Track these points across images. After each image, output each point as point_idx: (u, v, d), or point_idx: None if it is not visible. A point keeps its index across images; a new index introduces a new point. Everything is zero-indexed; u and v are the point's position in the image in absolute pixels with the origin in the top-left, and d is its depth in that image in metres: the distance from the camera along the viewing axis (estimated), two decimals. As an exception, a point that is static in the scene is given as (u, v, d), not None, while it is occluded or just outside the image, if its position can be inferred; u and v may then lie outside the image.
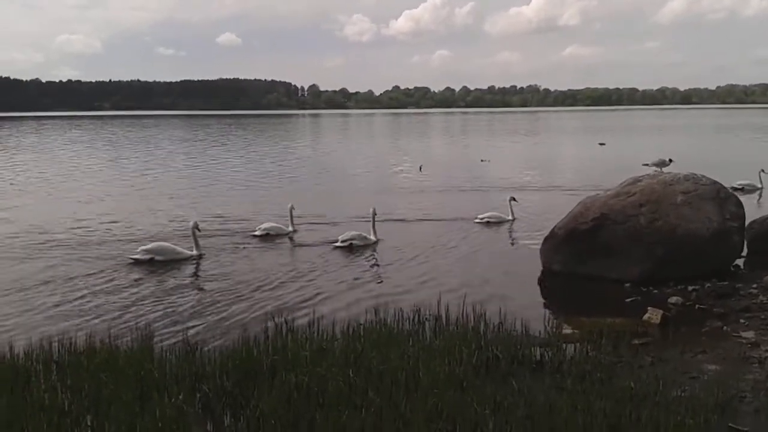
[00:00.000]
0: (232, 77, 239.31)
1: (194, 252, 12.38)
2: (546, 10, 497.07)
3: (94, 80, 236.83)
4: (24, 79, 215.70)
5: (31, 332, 7.95)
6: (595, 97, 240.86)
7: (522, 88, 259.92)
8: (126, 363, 6.20)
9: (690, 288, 9.42)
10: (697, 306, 8.70)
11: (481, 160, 33.11)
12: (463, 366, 6.14)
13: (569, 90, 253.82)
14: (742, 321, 8.05)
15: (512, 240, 14.31)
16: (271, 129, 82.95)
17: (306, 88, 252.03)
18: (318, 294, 9.82)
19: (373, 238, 13.51)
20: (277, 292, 9.96)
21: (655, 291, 9.46)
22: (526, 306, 8.89)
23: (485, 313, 7.82)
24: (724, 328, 7.85)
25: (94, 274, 11.02)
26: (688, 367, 6.59)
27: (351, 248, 12.97)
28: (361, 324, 7.60)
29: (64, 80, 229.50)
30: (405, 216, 16.97)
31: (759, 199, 19.18)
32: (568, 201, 14.30)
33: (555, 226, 11.02)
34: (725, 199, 10.58)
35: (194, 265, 11.90)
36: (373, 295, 9.69)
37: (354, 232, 13.32)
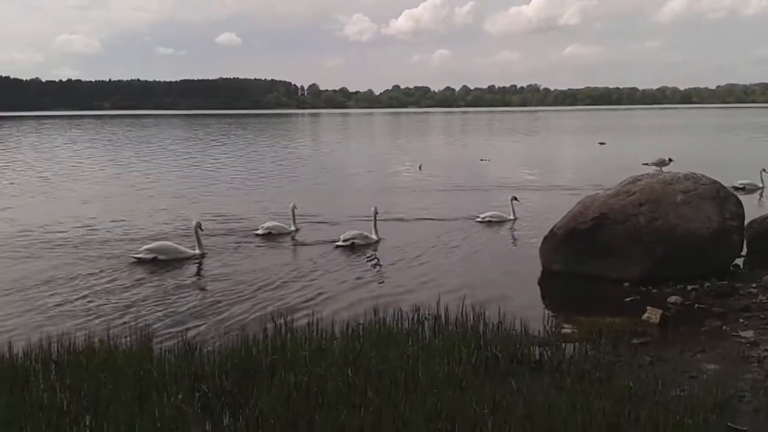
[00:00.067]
0: (231, 77, 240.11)
1: (197, 251, 12.38)
2: (546, 9, 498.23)
3: (94, 80, 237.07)
4: (24, 79, 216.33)
5: (30, 332, 7.95)
6: (595, 96, 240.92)
7: (522, 87, 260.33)
8: (125, 363, 6.20)
9: (689, 287, 9.41)
10: (696, 305, 8.70)
11: (481, 160, 33.10)
12: (462, 365, 6.13)
13: (569, 89, 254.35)
14: (741, 320, 8.05)
15: (513, 239, 14.31)
16: (271, 128, 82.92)
17: (306, 88, 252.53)
18: (319, 294, 9.81)
19: (374, 237, 13.51)
20: (278, 291, 9.95)
21: (655, 290, 9.46)
22: (525, 305, 8.89)
23: (484, 313, 7.81)
24: (724, 327, 7.84)
25: (95, 273, 11.02)
26: (687, 366, 6.59)
27: (353, 247, 12.98)
28: (360, 324, 7.60)
29: (64, 80, 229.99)
30: (405, 215, 16.97)
31: (760, 198, 19.17)
32: (568, 200, 14.28)
33: (554, 226, 11.01)
34: (725, 198, 10.57)
35: (197, 265, 11.90)
36: (373, 295, 9.68)
37: (355, 231, 13.33)
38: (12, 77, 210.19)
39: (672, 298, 8.92)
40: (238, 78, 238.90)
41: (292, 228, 14.66)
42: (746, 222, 10.99)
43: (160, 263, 11.74)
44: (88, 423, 5.18)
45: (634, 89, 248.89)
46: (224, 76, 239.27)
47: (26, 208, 18.78)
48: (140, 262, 11.72)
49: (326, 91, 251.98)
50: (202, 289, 10.33)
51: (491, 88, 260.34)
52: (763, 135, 53.22)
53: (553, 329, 7.74)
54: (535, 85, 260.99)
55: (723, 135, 56.19)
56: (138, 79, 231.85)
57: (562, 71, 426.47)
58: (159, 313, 8.87)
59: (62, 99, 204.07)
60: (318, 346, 6.67)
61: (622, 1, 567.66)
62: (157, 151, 42.19)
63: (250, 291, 9.95)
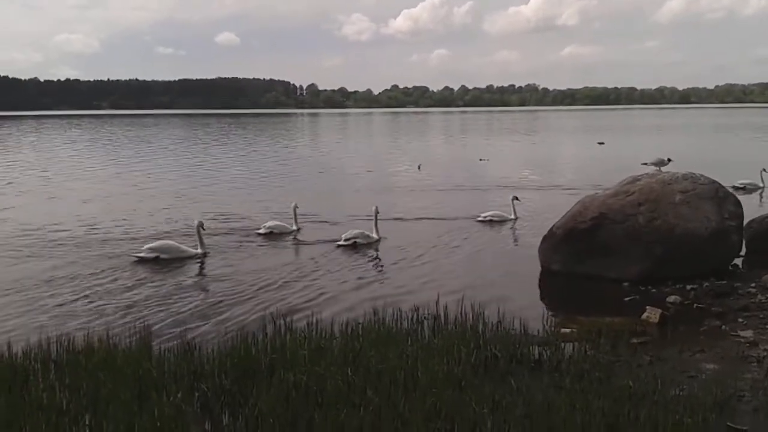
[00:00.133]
0: (230, 76, 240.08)
1: (199, 250, 12.38)
2: (545, 9, 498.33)
3: (92, 79, 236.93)
4: (23, 78, 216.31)
5: (30, 331, 7.93)
6: (593, 96, 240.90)
7: (520, 87, 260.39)
8: (124, 362, 6.20)
9: (688, 287, 9.42)
10: (695, 305, 8.71)
11: (480, 160, 33.10)
12: (461, 365, 6.14)
13: (568, 89, 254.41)
14: (740, 320, 8.05)
15: (514, 239, 14.32)
16: (271, 128, 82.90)
17: (305, 88, 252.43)
18: (320, 293, 9.80)
19: (375, 236, 13.53)
20: (279, 291, 9.94)
21: (654, 290, 9.46)
22: (524, 305, 8.89)
23: (484, 313, 7.82)
24: (723, 327, 7.85)
25: (96, 273, 11.00)
26: (686, 366, 6.59)
27: (354, 246, 12.99)
28: (359, 323, 7.59)
29: (63, 79, 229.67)
30: (405, 215, 16.97)
31: (761, 198, 19.19)
32: (567, 200, 14.30)
33: (554, 226, 11.01)
34: (724, 198, 10.58)
35: (199, 264, 11.91)
36: (374, 294, 9.68)
37: (357, 231, 13.35)
38: (11, 77, 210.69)
39: (671, 298, 8.93)
40: (237, 77, 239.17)
41: (294, 227, 14.69)
42: (746, 222, 11.00)
43: (162, 262, 11.74)
44: (87, 422, 5.17)
45: (633, 89, 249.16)
46: (223, 76, 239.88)
47: (26, 207, 18.74)
48: (142, 261, 11.72)
49: (325, 90, 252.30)
50: (204, 288, 10.33)
51: (490, 87, 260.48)
52: (762, 135, 53.25)
53: (553, 329, 7.74)
54: (534, 84, 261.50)
55: (722, 135, 56.21)
56: (137, 79, 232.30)
57: (561, 71, 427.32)
58: (159, 313, 8.86)
59: (61, 98, 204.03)
60: (317, 346, 6.67)
61: (621, 1, 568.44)
62: (158, 151, 42.18)
63: (252, 290, 9.94)
